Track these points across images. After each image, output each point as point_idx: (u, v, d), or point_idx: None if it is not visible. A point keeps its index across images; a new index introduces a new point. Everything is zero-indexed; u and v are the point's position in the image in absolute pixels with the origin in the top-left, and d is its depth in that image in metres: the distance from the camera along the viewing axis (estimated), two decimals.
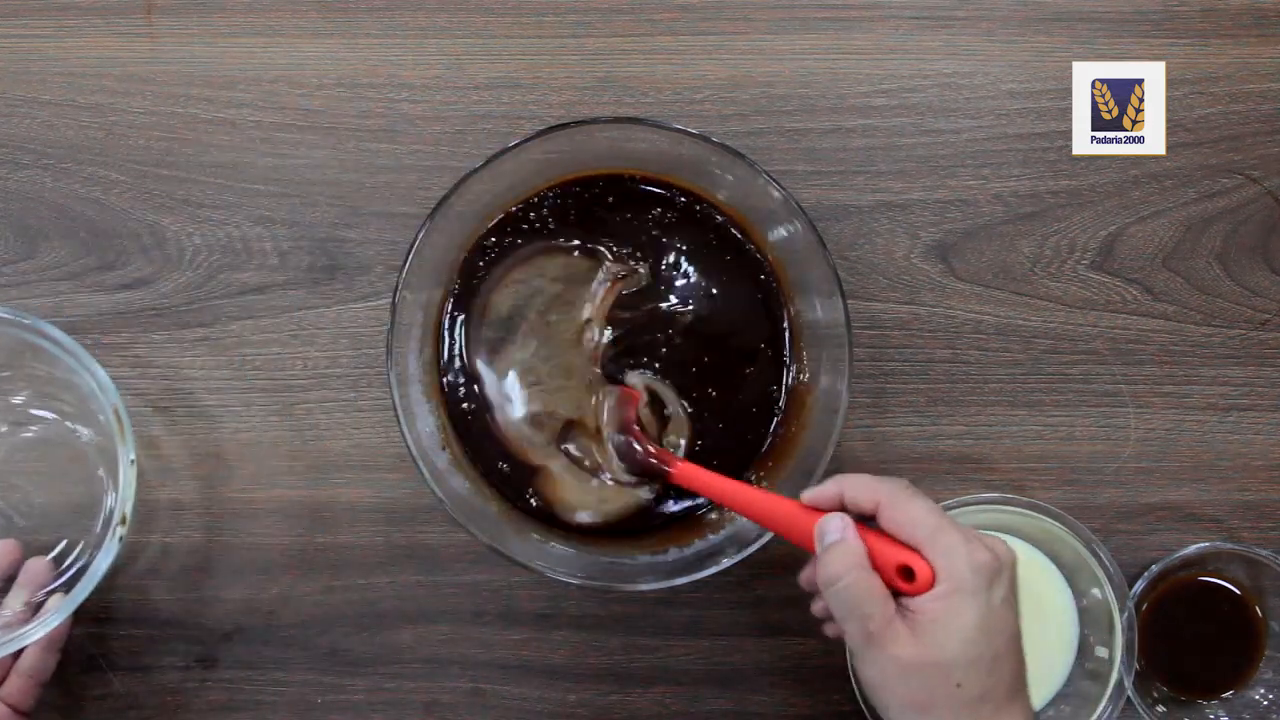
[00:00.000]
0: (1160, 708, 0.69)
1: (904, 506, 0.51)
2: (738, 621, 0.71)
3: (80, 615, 0.70)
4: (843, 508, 0.53)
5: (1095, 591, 0.68)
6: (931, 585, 0.49)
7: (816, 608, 0.58)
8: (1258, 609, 0.71)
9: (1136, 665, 0.68)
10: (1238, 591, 0.71)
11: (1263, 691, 0.70)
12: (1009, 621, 0.50)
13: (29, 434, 0.70)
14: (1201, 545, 0.68)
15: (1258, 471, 0.71)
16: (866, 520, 0.53)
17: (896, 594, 0.50)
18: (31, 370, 0.69)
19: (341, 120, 0.70)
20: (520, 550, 0.62)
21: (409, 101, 0.70)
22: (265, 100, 0.70)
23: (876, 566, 0.50)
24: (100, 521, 0.69)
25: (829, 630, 0.58)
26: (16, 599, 0.64)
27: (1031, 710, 0.51)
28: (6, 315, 0.63)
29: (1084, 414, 0.70)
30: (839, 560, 0.50)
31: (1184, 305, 0.70)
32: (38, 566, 0.65)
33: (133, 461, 0.63)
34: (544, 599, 0.71)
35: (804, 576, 0.58)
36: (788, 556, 0.70)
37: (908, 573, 0.50)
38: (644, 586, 0.61)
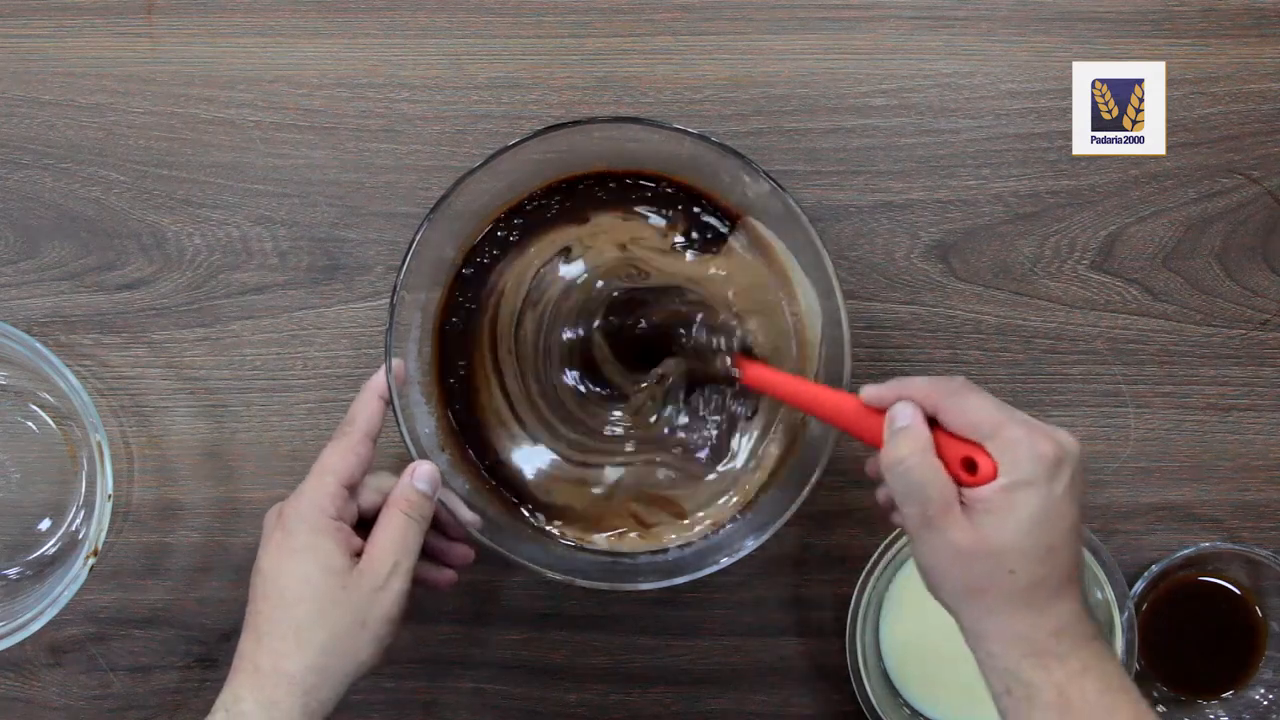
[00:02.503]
0: (1160, 708, 0.69)
1: (964, 403, 0.51)
2: (738, 621, 0.71)
3: (80, 615, 0.70)
4: None
5: (1095, 591, 0.68)
6: (994, 478, 0.49)
7: (881, 495, 0.58)
8: (1258, 609, 0.71)
9: (1136, 665, 0.68)
10: (1238, 591, 0.71)
11: (1262, 691, 0.70)
12: (1069, 512, 0.50)
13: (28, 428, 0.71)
14: (1201, 545, 0.68)
15: (1258, 471, 0.71)
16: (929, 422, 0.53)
17: (959, 486, 0.51)
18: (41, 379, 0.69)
19: (341, 120, 0.70)
20: (520, 550, 0.62)
21: (409, 101, 0.70)
22: (265, 100, 0.70)
23: (941, 457, 0.51)
24: (75, 546, 0.70)
25: (894, 519, 0.58)
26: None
27: (1083, 599, 0.51)
28: (21, 335, 0.64)
29: (1084, 414, 0.70)
30: (905, 443, 0.51)
31: (1184, 305, 0.70)
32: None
33: (109, 497, 0.63)
34: (544, 599, 0.71)
35: (870, 466, 0.58)
36: (787, 557, 0.71)
37: (970, 466, 0.50)
38: (644, 586, 0.61)
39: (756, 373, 0.62)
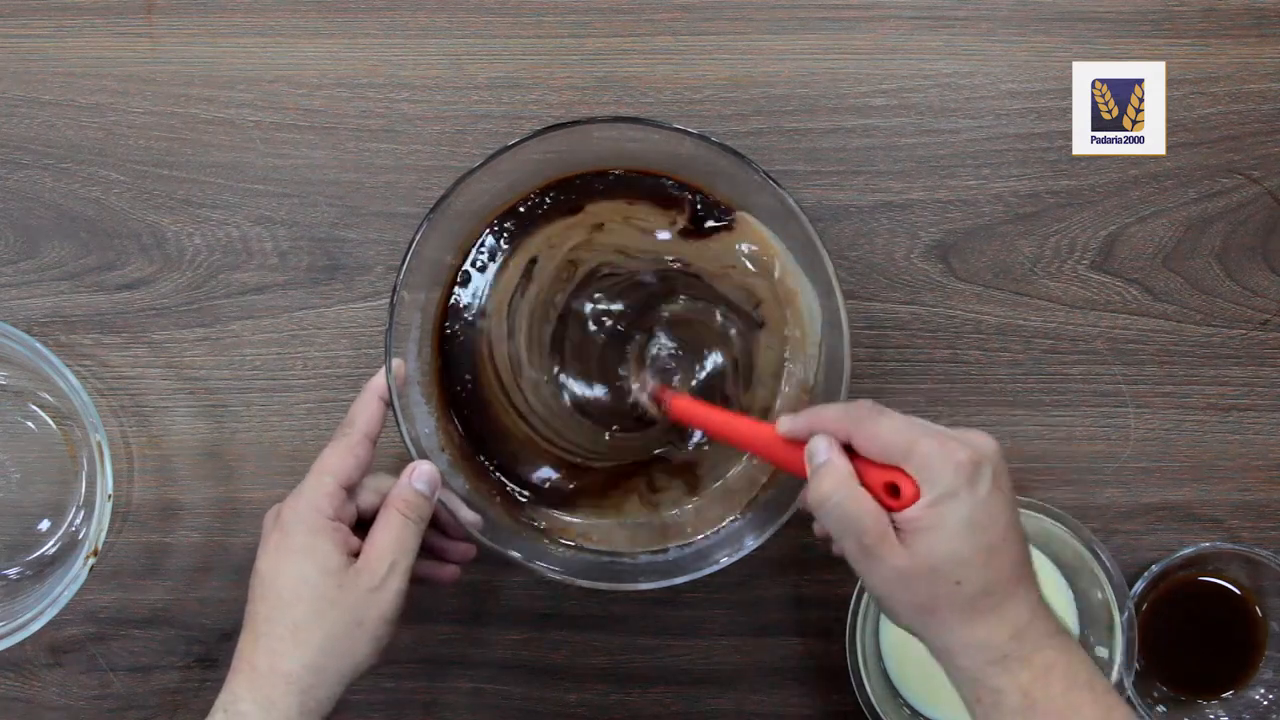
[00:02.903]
0: (1160, 708, 0.69)
1: (875, 427, 0.51)
2: (738, 621, 0.71)
3: (80, 615, 0.70)
4: None
5: (1095, 591, 0.68)
6: (917, 498, 0.49)
7: (818, 528, 0.58)
8: (1258, 609, 0.71)
9: (1136, 665, 0.68)
10: (1238, 591, 0.71)
11: (1262, 691, 0.70)
12: (999, 511, 0.49)
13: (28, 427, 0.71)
14: (1201, 545, 0.68)
15: (1258, 471, 0.71)
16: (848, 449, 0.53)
17: (889, 512, 0.51)
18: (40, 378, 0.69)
19: (341, 120, 0.70)
20: (520, 550, 0.62)
21: (409, 101, 0.70)
22: (265, 100, 0.70)
23: (865, 486, 0.51)
24: (73, 546, 0.70)
25: (833, 549, 0.58)
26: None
27: (1037, 592, 0.51)
28: (21, 335, 0.64)
29: (1084, 414, 0.70)
30: (827, 480, 0.51)
31: (1184, 305, 0.70)
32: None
33: (109, 497, 0.63)
34: (544, 599, 0.71)
35: (802, 498, 0.58)
36: (787, 557, 0.71)
37: (894, 490, 0.50)
38: (644, 586, 0.61)
39: (680, 405, 0.62)
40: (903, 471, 0.50)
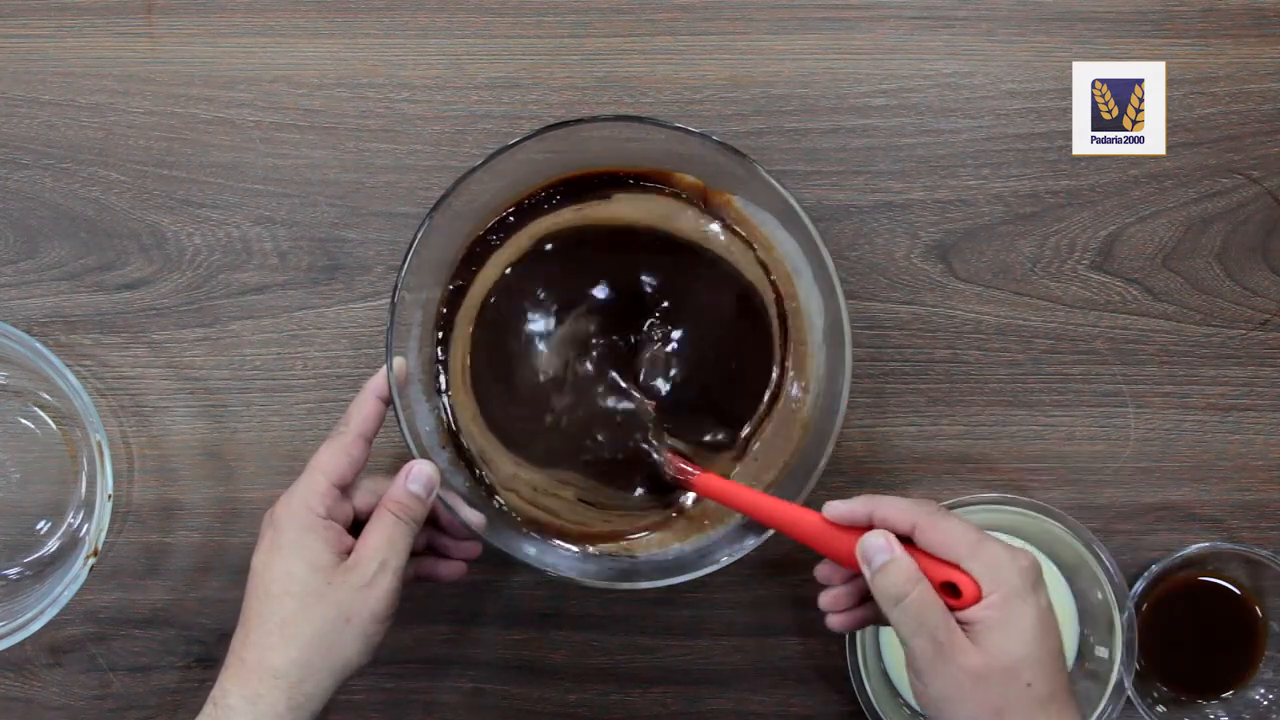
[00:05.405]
0: (1160, 708, 0.69)
1: (941, 526, 0.52)
2: (737, 621, 0.71)
3: (80, 615, 0.70)
4: (870, 525, 0.54)
5: (1095, 591, 0.68)
6: (977, 598, 0.50)
7: (826, 599, 0.58)
8: (1258, 609, 0.71)
9: (1136, 665, 0.68)
10: (1238, 591, 0.71)
11: (1263, 691, 0.70)
12: (1053, 622, 0.51)
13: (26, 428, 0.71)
14: (1201, 545, 0.68)
15: (1258, 471, 0.71)
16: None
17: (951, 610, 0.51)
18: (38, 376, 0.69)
19: (341, 120, 0.70)
20: (520, 550, 0.62)
21: (409, 101, 0.70)
22: (265, 100, 0.70)
23: None
24: (72, 545, 0.70)
25: (834, 622, 0.58)
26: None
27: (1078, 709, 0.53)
28: (21, 336, 0.64)
29: (1084, 414, 0.70)
30: (898, 576, 0.52)
31: (1184, 305, 0.70)
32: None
33: (109, 497, 0.63)
34: (544, 599, 0.71)
35: (821, 571, 0.59)
36: (787, 557, 0.70)
37: (951, 589, 0.51)
38: (644, 585, 0.61)
39: (709, 484, 0.62)
40: (961, 570, 0.51)
